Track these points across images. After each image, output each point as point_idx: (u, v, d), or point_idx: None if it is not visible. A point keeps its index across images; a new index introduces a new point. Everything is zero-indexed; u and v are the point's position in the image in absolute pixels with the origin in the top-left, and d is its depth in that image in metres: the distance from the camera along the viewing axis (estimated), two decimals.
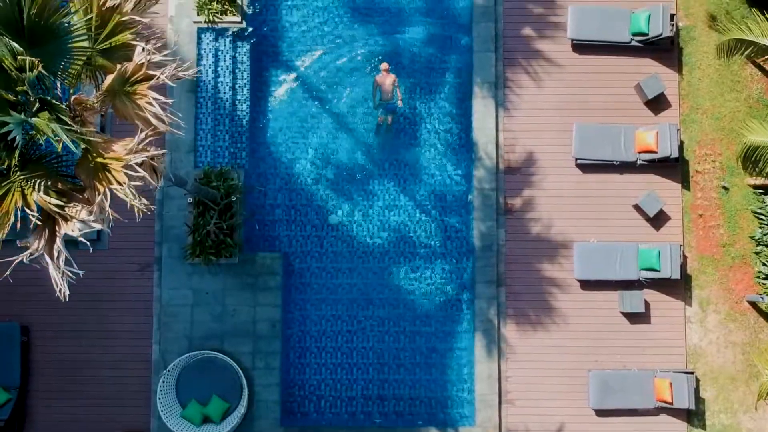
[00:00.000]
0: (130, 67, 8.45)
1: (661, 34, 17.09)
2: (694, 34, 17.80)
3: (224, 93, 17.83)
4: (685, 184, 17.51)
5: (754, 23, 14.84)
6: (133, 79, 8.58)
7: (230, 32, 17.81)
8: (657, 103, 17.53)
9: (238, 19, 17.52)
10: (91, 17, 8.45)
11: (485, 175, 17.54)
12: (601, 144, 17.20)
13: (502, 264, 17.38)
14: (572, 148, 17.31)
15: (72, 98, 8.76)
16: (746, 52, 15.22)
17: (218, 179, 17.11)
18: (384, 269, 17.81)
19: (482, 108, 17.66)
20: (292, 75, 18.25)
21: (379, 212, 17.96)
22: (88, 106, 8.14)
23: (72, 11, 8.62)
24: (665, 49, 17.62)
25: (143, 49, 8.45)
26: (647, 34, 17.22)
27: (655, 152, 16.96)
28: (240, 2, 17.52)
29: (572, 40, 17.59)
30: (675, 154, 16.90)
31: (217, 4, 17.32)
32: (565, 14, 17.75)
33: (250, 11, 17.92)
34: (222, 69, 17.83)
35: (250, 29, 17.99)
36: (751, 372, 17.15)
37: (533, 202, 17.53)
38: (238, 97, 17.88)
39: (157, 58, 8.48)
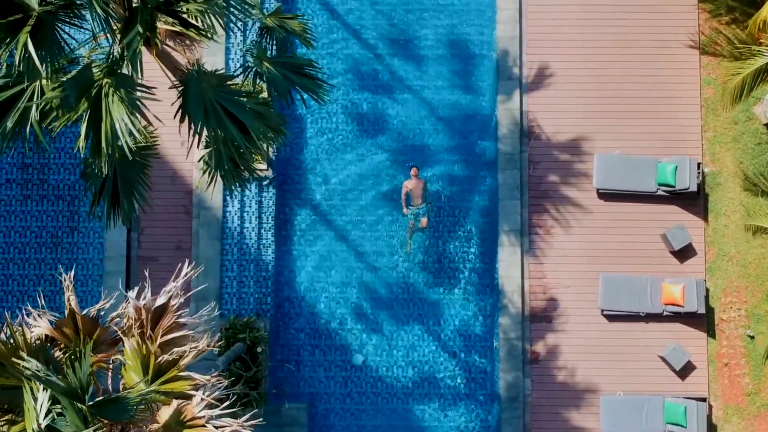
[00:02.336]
0: (188, 414, 8.53)
1: (687, 188, 17.09)
2: (720, 180, 17.79)
3: (250, 238, 17.84)
4: (711, 332, 17.50)
5: None
6: (189, 423, 8.64)
7: (256, 177, 17.80)
8: (683, 251, 17.52)
9: (264, 166, 17.53)
10: (147, 378, 8.54)
11: (510, 324, 17.55)
12: (627, 296, 17.21)
13: (528, 413, 17.40)
14: (598, 300, 17.31)
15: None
16: None
17: (244, 330, 17.12)
18: (408, 410, 17.83)
19: (508, 256, 17.67)
20: (316, 213, 18.27)
21: (403, 352, 17.98)
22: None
23: (127, 371, 8.77)
24: (691, 197, 17.61)
25: (201, 399, 8.53)
26: (674, 186, 17.21)
27: (682, 306, 16.97)
28: (266, 150, 17.50)
29: (598, 189, 17.59)
30: (702, 310, 16.94)
31: None
32: (591, 161, 17.73)
33: (275, 156, 17.93)
34: (247, 214, 17.83)
35: (276, 172, 17.99)
36: None
37: (559, 351, 17.53)
38: (263, 242, 17.89)
39: (216, 412, 8.52)
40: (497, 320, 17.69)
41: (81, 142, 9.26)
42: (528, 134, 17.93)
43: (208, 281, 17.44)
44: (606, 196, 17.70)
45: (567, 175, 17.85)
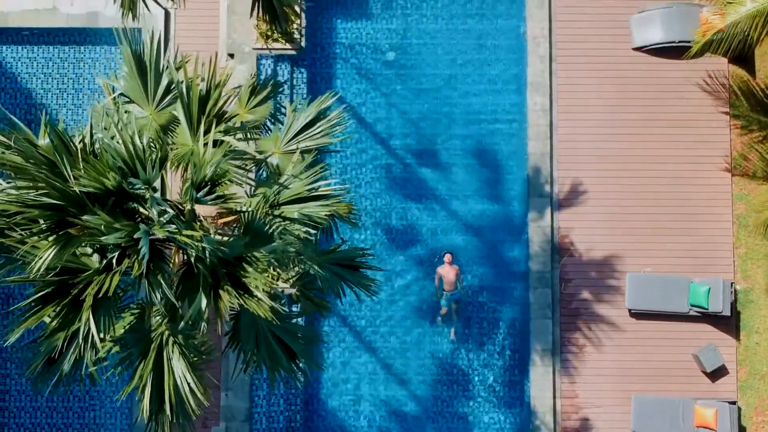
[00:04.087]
0: None
1: (720, 312, 17.01)
2: (752, 297, 17.70)
3: None
4: None
5: None
6: None
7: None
8: (715, 371, 17.44)
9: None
10: None
11: None
12: (659, 418, 17.14)
13: None
14: (631, 422, 17.24)
15: None
16: None
17: None
18: None
19: (540, 377, 17.58)
20: (345, 325, 18.18)
21: None
22: None
23: None
24: (723, 316, 17.51)
25: None
26: (706, 308, 17.12)
27: (714, 430, 16.91)
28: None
29: (630, 309, 17.50)
30: None
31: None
32: (623, 278, 17.63)
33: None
34: None
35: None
36: None
37: None
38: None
39: None
40: None
41: (145, 408, 9.04)
42: (559, 251, 17.81)
43: (238, 401, 17.38)
44: (638, 315, 17.61)
45: (599, 293, 17.75)
